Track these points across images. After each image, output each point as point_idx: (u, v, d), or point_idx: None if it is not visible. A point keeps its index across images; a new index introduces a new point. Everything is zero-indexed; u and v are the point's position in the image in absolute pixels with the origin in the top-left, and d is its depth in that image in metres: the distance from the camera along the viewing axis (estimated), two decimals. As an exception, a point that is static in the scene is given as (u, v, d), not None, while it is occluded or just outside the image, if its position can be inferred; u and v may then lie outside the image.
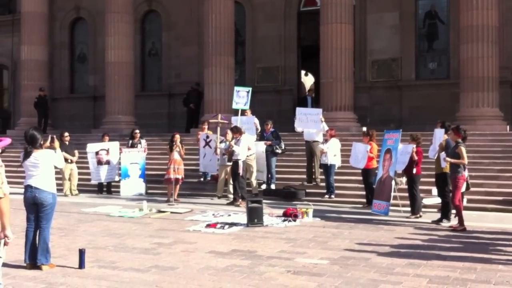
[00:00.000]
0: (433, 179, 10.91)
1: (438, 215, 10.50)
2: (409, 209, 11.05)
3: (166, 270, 6.75)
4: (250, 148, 13.31)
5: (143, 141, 15.94)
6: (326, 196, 13.23)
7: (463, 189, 10.05)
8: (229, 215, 11.16)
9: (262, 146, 14.10)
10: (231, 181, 13.49)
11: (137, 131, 16.15)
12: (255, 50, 21.40)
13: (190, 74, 21.84)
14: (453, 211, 10.10)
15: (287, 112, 19.34)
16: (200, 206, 12.69)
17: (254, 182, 13.56)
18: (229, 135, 13.31)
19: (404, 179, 11.36)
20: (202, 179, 15.44)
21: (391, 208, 11.25)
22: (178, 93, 21.82)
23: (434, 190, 11.22)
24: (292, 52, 20.98)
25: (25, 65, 22.23)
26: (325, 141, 13.52)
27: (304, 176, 14.29)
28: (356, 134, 15.63)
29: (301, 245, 8.24)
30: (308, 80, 25.93)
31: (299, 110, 14.58)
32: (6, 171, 4.70)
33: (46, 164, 6.81)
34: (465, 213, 9.87)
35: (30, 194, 6.78)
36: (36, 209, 6.83)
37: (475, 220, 10.29)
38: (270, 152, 14.06)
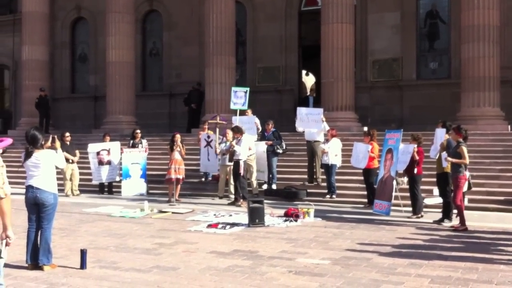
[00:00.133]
0: (434, 179, 10.90)
1: (439, 215, 10.49)
2: (410, 209, 11.05)
3: (167, 270, 6.75)
4: (250, 148, 13.32)
5: (144, 141, 15.94)
6: (327, 196, 13.23)
7: (464, 188, 10.04)
8: (231, 215, 11.16)
9: (263, 146, 14.09)
10: (231, 181, 13.50)
11: (138, 131, 16.15)
12: (256, 50, 21.39)
13: (191, 74, 21.84)
14: (455, 211, 10.09)
15: (288, 112, 19.35)
16: (201, 206, 12.69)
17: (254, 182, 13.56)
18: (229, 135, 13.30)
19: (405, 179, 11.35)
20: (203, 179, 15.44)
21: (393, 208, 11.25)
22: (179, 93, 21.82)
23: (435, 190, 11.20)
24: (293, 52, 20.99)
25: (26, 65, 22.25)
26: (326, 141, 13.52)
27: (305, 176, 14.28)
28: (357, 134, 15.63)
29: (302, 245, 8.23)
30: (309, 80, 25.94)
31: (300, 110, 14.58)
32: (7, 171, 4.69)
33: (47, 164, 6.80)
34: (466, 213, 9.86)
35: (31, 194, 6.77)
36: (38, 210, 6.82)
37: (476, 220, 10.28)
38: (271, 152, 14.06)
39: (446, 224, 10.02)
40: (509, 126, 15.44)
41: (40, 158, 6.75)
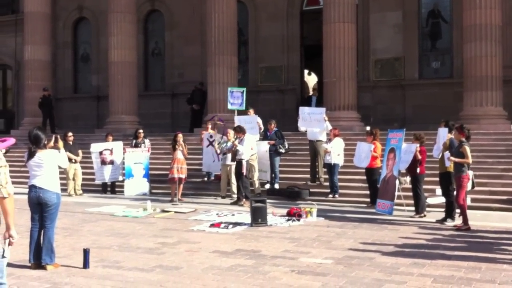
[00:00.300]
0: (437, 179, 10.87)
1: (442, 215, 10.48)
2: (413, 208, 11.04)
3: (170, 269, 6.76)
4: (252, 148, 13.32)
5: (147, 141, 15.95)
6: (330, 195, 13.22)
7: (468, 188, 10.03)
8: (233, 215, 11.17)
9: (265, 145, 14.08)
10: (233, 181, 13.50)
11: (141, 130, 16.16)
12: (258, 49, 21.38)
13: (193, 74, 21.85)
14: (457, 211, 10.08)
15: (290, 112, 19.34)
16: (204, 205, 12.70)
17: (256, 182, 13.56)
18: (231, 134, 13.30)
19: (408, 179, 11.34)
20: (205, 178, 15.45)
21: (395, 207, 11.23)
22: (181, 93, 21.84)
23: (438, 190, 11.20)
24: (295, 51, 20.98)
25: (28, 65, 22.27)
26: (329, 140, 13.52)
27: (308, 176, 14.28)
28: (359, 133, 15.62)
29: (305, 244, 8.23)
30: (311, 80, 25.95)
31: (302, 110, 14.58)
32: (10, 171, 4.70)
33: (50, 164, 6.82)
34: (469, 212, 9.85)
35: (34, 194, 6.79)
36: (41, 209, 6.84)
37: (479, 220, 10.27)
38: (273, 152, 14.06)
39: (449, 223, 10.01)
40: (512, 126, 15.43)
41: (43, 158, 6.76)
